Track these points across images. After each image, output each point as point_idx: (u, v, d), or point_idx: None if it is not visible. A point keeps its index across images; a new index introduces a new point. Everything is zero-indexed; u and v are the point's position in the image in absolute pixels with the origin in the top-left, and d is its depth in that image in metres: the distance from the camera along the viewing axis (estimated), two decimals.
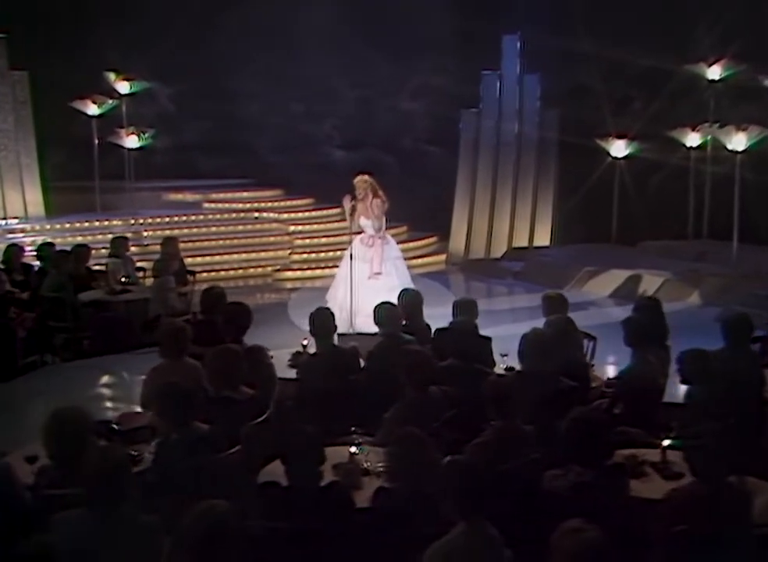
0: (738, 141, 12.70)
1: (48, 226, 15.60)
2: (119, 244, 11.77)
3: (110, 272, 11.37)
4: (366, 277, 10.35)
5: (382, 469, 5.14)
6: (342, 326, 10.01)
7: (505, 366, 7.07)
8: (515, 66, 15.95)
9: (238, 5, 17.44)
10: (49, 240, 12.28)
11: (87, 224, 15.78)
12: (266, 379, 6.44)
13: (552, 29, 15.26)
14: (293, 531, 4.30)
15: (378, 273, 10.35)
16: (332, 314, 6.88)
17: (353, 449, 5.36)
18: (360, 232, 10.69)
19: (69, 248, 11.69)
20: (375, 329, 7.38)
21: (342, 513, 4.41)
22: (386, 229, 10.77)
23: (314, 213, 17.08)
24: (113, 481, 4.00)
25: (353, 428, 5.71)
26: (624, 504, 4.66)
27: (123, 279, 11.14)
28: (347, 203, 10.42)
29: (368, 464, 5.32)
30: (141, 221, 16.02)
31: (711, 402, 5.65)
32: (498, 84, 15.96)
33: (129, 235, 13.24)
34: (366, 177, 10.52)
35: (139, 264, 12.12)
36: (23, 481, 4.95)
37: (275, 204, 17.37)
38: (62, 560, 3.71)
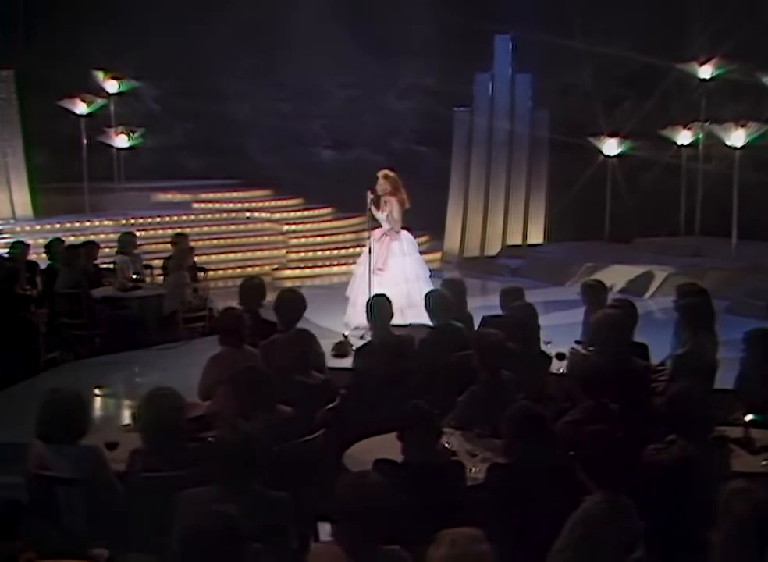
0: (737, 137, 12.91)
1: (38, 227, 15.35)
2: (127, 241, 11.65)
3: (118, 268, 11.26)
4: (372, 273, 10.34)
5: (469, 450, 5.18)
6: (353, 321, 10.07)
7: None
8: (507, 66, 16.07)
9: (226, 4, 17.34)
10: (58, 237, 12.06)
11: (77, 224, 15.55)
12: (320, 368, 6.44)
13: (543, 28, 15.38)
14: (411, 507, 4.28)
15: (380, 269, 10.31)
16: (389, 301, 6.87)
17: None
18: (378, 227, 10.65)
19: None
20: None
21: (456, 489, 4.40)
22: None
23: (306, 213, 17.04)
24: (244, 456, 3.95)
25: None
26: (727, 478, 4.69)
27: (135, 276, 11.03)
28: (371, 201, 10.39)
29: (449, 445, 5.32)
30: (132, 221, 15.83)
31: None
32: (490, 84, 16.06)
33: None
34: (388, 172, 10.51)
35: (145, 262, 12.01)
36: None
37: (265, 204, 17.29)
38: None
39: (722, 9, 14.66)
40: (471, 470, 4.85)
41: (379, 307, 6.80)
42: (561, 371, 7.04)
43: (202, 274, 11.51)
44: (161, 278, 11.67)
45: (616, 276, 13.33)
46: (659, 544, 4.21)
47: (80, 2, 16.65)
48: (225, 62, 17.61)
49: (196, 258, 14.41)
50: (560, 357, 7.11)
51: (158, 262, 12.18)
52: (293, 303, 6.83)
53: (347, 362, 7.38)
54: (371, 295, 9.80)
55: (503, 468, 4.44)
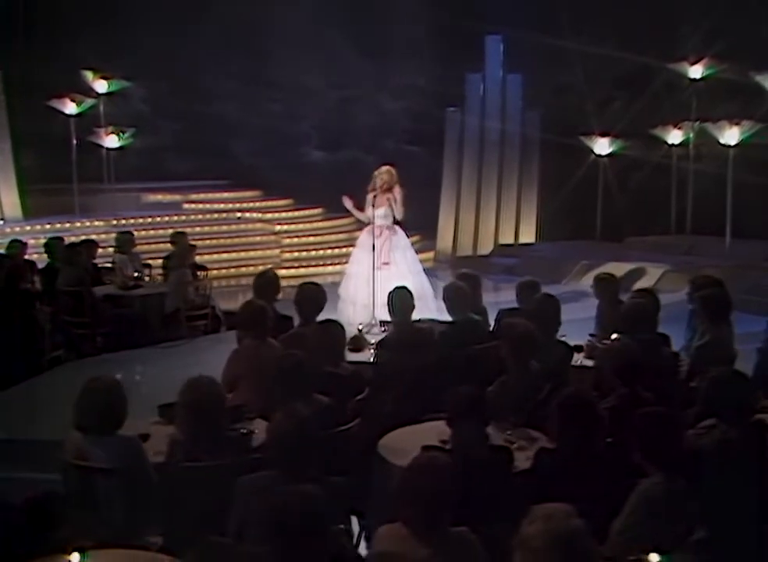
0: (731, 135, 13.02)
1: (29, 228, 15.20)
2: (125, 240, 11.57)
3: (117, 267, 11.18)
4: (376, 268, 10.33)
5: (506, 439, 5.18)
6: (356, 319, 10.03)
7: None
8: (498, 66, 16.15)
9: (214, 4, 17.29)
10: (57, 236, 11.97)
11: (68, 225, 15.42)
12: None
13: (534, 28, 15.46)
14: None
15: (386, 263, 10.33)
16: (411, 293, 6.86)
17: None
18: (368, 224, 10.63)
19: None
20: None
21: (505, 475, 4.40)
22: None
23: (296, 213, 17.01)
24: (302, 441, 3.93)
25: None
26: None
27: (136, 274, 10.95)
28: (348, 203, 10.41)
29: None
30: (123, 221, 15.72)
31: None
32: (481, 84, 16.12)
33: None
34: (390, 168, 10.51)
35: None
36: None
37: (255, 204, 17.25)
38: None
39: (712, 9, 14.80)
40: None
41: (401, 299, 6.79)
42: (579, 362, 7.07)
43: (202, 273, 11.43)
44: (161, 277, 11.57)
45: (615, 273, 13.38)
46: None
47: (68, 2, 16.54)
48: (215, 62, 17.55)
49: None
50: (578, 349, 7.14)
51: (155, 262, 12.09)
52: (314, 295, 6.82)
53: (362, 356, 7.34)
54: (390, 289, 9.90)
55: (553, 454, 4.44)
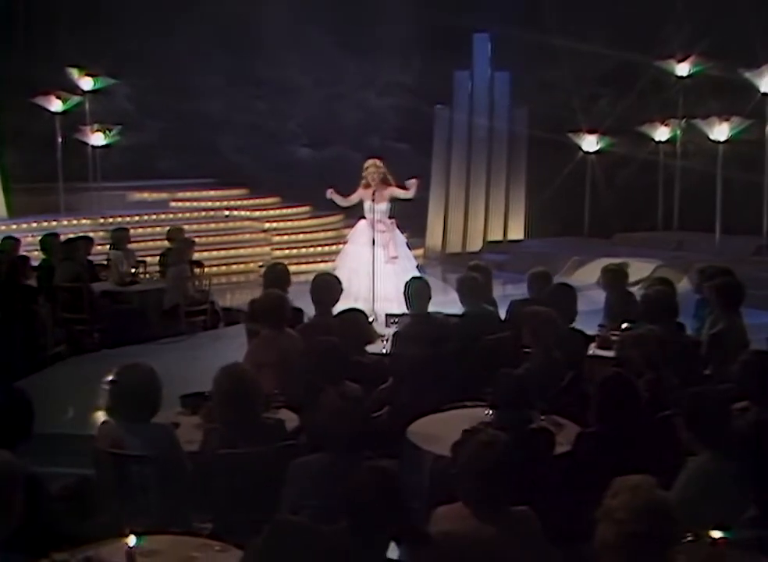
0: (720, 131, 13.14)
1: (15, 226, 15.02)
2: (120, 236, 11.51)
3: (113, 263, 11.10)
4: (383, 262, 10.32)
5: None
6: None
7: None
8: (486, 64, 16.19)
9: (201, 2, 17.19)
10: (53, 232, 11.85)
11: (54, 223, 15.24)
12: None
13: (522, 26, 15.53)
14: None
15: (395, 257, 10.36)
16: (428, 283, 6.86)
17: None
18: (362, 218, 10.62)
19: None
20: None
21: (547, 457, 4.40)
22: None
23: (285, 211, 16.96)
24: (354, 422, 3.92)
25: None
26: None
27: (133, 270, 10.88)
28: (334, 195, 10.45)
29: None
30: (111, 219, 15.57)
31: None
32: (469, 82, 16.16)
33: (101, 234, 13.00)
34: (378, 162, 10.52)
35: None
36: None
37: (242, 202, 17.17)
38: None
39: (699, 6, 14.92)
40: None
41: (419, 290, 6.78)
42: (592, 353, 7.10)
43: (199, 269, 11.36)
44: (158, 274, 11.48)
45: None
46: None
47: None
48: (201, 59, 17.45)
49: None
50: (589, 340, 7.17)
51: (150, 259, 12.02)
52: (330, 286, 6.80)
53: (374, 348, 7.33)
54: (398, 282, 9.87)
55: (594, 436, 4.46)
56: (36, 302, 8.82)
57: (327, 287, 6.79)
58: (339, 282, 6.87)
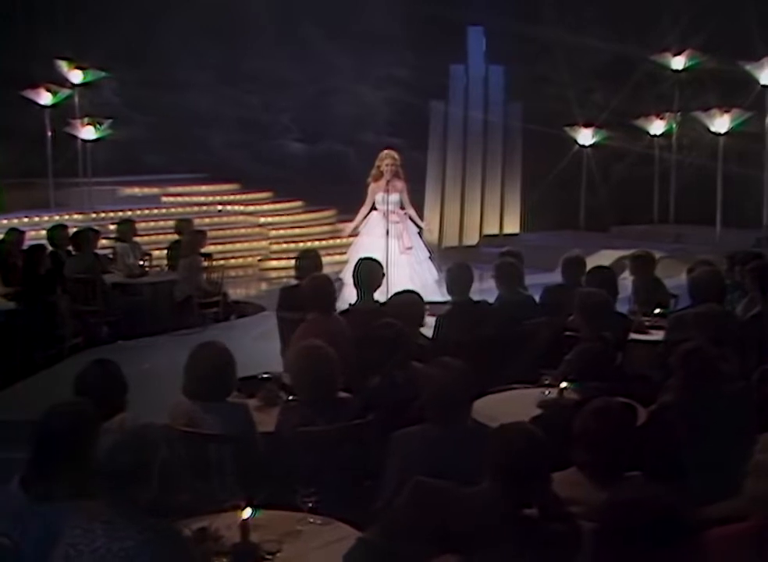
0: (721, 123, 13.23)
1: (5, 221, 14.76)
2: (126, 229, 11.38)
3: (119, 256, 10.98)
4: (398, 253, 10.29)
5: None
6: None
7: None
8: (480, 58, 16.18)
9: None
10: (61, 223, 11.67)
11: (46, 218, 15.03)
12: None
13: (516, 19, 15.55)
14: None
15: (410, 248, 10.35)
16: (469, 268, 6.82)
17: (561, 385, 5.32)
18: (374, 209, 10.58)
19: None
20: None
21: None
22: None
23: (276, 205, 16.86)
24: (458, 390, 3.89)
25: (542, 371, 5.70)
26: None
27: (141, 263, 10.74)
28: (351, 224, 10.63)
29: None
30: (102, 215, 15.38)
31: None
32: (464, 75, 16.15)
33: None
34: (395, 154, 10.51)
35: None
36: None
37: (234, 197, 17.04)
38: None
39: (694, 0, 15.03)
40: None
41: (460, 274, 6.74)
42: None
43: (208, 261, 11.23)
44: (166, 266, 11.34)
45: (606, 261, 13.48)
46: None
47: None
48: (191, 53, 17.29)
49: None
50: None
51: (157, 252, 11.91)
52: (372, 270, 6.75)
53: None
54: (414, 273, 9.86)
55: (675, 407, 4.45)
56: (55, 292, 8.65)
57: (370, 271, 6.73)
58: (381, 267, 6.81)
